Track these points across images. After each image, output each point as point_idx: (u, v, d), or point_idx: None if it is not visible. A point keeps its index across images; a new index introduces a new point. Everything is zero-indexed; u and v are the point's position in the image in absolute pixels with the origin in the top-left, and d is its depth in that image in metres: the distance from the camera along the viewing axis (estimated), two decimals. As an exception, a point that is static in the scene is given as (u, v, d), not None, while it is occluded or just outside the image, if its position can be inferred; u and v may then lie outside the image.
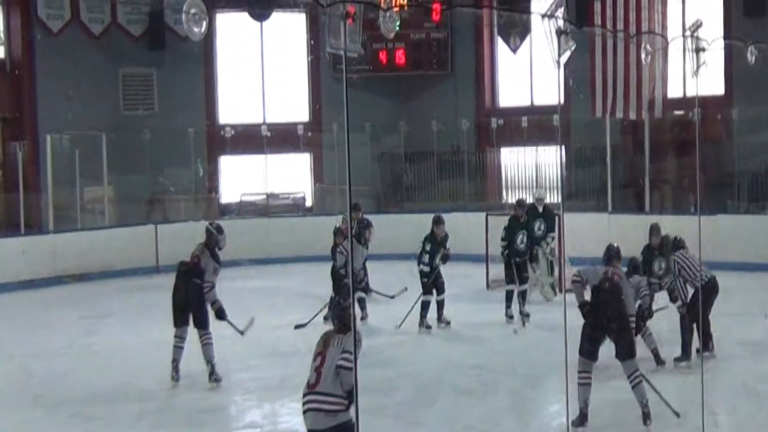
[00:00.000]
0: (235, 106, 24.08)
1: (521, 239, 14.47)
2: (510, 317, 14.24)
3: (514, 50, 22.80)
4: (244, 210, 22.58)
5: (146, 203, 22.37)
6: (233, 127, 22.89)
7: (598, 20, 19.91)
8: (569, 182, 20.11)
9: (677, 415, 9.52)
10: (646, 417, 9.53)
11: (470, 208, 20.36)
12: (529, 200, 16.29)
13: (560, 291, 15.42)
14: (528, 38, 22.60)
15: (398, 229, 18.80)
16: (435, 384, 11.63)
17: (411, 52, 23.60)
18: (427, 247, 13.87)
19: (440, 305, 14.01)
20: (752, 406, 10.31)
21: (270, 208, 22.33)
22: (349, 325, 7.69)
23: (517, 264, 14.52)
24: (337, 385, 7.39)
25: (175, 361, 11.73)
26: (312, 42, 23.23)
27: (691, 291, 11.38)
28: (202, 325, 11.66)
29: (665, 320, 11.62)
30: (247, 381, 13.01)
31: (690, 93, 20.73)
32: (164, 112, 23.08)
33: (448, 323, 14.07)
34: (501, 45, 23.41)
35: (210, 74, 24.04)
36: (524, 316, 14.21)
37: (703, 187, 19.49)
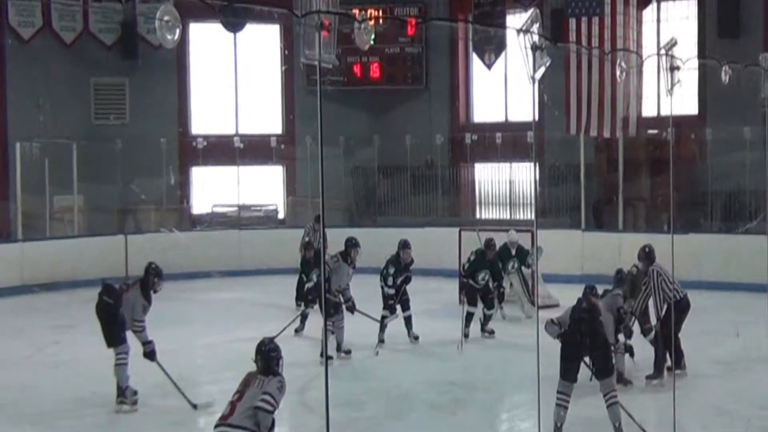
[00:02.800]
0: (207, 117, 23.93)
1: (483, 277, 14.22)
2: (466, 336, 13.94)
3: (489, 66, 22.80)
4: (215, 221, 22.43)
5: (117, 213, 22.17)
6: (205, 137, 22.78)
7: (573, 37, 19.93)
8: (543, 199, 20.11)
9: None
10: None
11: (443, 223, 20.34)
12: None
13: (533, 306, 15.42)
14: (503, 54, 22.60)
15: (371, 243, 18.62)
16: (405, 399, 11.57)
17: (385, 66, 23.60)
18: (391, 270, 13.77)
19: (407, 321, 13.89)
20: (724, 425, 10.29)
21: (242, 219, 22.19)
22: (274, 368, 7.65)
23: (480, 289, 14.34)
24: (249, 422, 7.45)
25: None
26: (286, 52, 23.13)
27: (663, 307, 11.34)
28: (113, 343, 11.26)
29: (636, 337, 11.55)
30: (216, 393, 12.86)
31: (664, 112, 20.86)
32: (136, 122, 22.89)
33: (416, 338, 13.93)
34: (476, 60, 23.40)
35: (183, 84, 23.89)
36: (488, 333, 14.22)
37: (677, 206, 19.55)
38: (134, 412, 11.05)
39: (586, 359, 9.72)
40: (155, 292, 11.57)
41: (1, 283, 18.29)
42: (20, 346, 14.37)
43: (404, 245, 13.91)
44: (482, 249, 14.37)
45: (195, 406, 11.21)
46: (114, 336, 11.22)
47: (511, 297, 16.05)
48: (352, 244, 13.58)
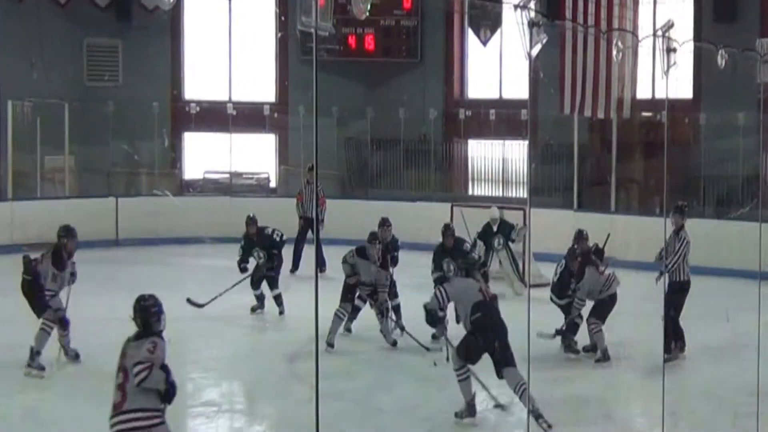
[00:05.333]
0: (201, 83, 23.79)
1: (447, 267, 12.52)
2: (434, 337, 12.33)
3: (485, 43, 22.70)
4: (206, 187, 22.38)
5: (107, 175, 22.10)
6: (198, 103, 22.67)
7: (569, 15, 19.89)
8: (535, 178, 20.13)
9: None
10: (539, 419, 9.52)
11: (435, 198, 20.29)
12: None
13: (525, 286, 15.45)
14: (499, 31, 22.55)
15: (363, 215, 18.72)
16: (395, 371, 11.60)
17: (380, 38, 23.48)
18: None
19: (396, 310, 13.04)
20: (712, 410, 10.37)
21: (233, 187, 22.15)
22: (153, 327, 7.24)
23: None
24: (145, 398, 7.06)
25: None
26: (282, 18, 22.98)
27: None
28: (39, 313, 11.43)
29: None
30: (205, 359, 12.93)
31: (658, 95, 20.84)
32: (129, 85, 22.77)
33: (402, 329, 12.79)
34: (471, 36, 23.34)
35: (176, 49, 23.75)
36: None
37: (669, 190, 19.57)
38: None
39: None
40: (70, 256, 11.73)
41: (-9, 241, 18.24)
42: (8, 305, 14.30)
43: (381, 223, 13.17)
44: (440, 242, 13.12)
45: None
46: (38, 307, 11.39)
47: (499, 274, 16.05)
48: (369, 238, 12.76)
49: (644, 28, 20.70)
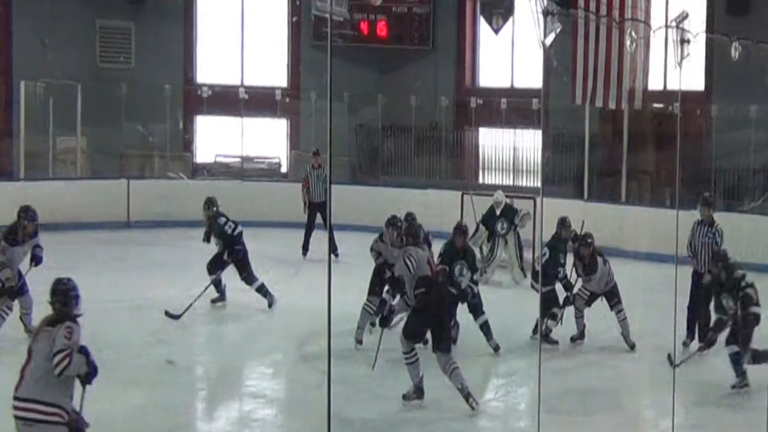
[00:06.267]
0: (213, 66, 23.76)
1: (460, 270, 11.69)
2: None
3: (496, 31, 22.72)
4: (218, 171, 22.41)
5: (119, 157, 22.15)
6: (210, 87, 22.67)
7: (581, 4, 19.87)
8: (546, 167, 20.12)
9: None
10: (469, 397, 9.73)
11: (446, 185, 20.26)
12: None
13: (524, 275, 15.46)
14: (511, 19, 22.54)
15: (373, 201, 18.81)
16: (401, 360, 11.60)
17: (393, 24, 23.45)
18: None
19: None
20: (723, 402, 10.40)
21: (245, 171, 22.16)
22: (71, 311, 6.95)
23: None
24: (45, 390, 6.70)
25: None
26: (298, 2, 22.93)
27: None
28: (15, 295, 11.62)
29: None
30: (214, 342, 13.03)
31: (671, 86, 20.81)
32: (141, 67, 22.70)
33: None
34: (483, 24, 23.31)
35: (189, 32, 23.70)
36: (495, 348, 11.89)
37: (680, 182, 19.56)
38: (130, 358, 11.26)
39: None
40: (29, 236, 11.74)
41: (3, 221, 18.21)
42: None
43: (386, 222, 12.38)
44: (450, 240, 11.96)
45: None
46: None
47: (504, 263, 16.05)
48: (386, 222, 12.24)
49: (656, 18, 20.63)
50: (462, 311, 11.88)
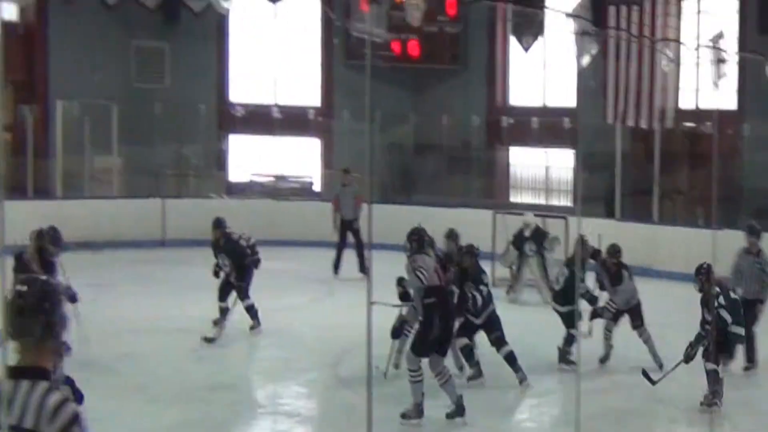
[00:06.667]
0: (246, 86, 23.96)
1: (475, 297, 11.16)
2: (460, 368, 11.40)
3: (527, 49, 22.77)
4: (251, 190, 22.57)
5: (155, 176, 22.34)
6: (244, 106, 22.93)
7: (612, 24, 19.95)
8: (578, 186, 20.17)
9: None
10: (457, 414, 9.80)
11: (477, 204, 20.30)
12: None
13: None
14: (541, 38, 22.61)
15: (404, 220, 18.77)
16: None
17: (424, 44, 23.53)
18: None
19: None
20: (753, 422, 10.41)
21: (278, 190, 22.32)
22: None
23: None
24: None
25: None
26: (338, 23, 22.96)
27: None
28: None
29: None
30: (250, 361, 13.12)
31: (702, 105, 20.81)
32: (175, 87, 22.95)
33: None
34: (514, 43, 23.37)
35: (222, 52, 23.94)
36: (524, 381, 11.26)
37: (708, 202, 19.54)
38: (170, 377, 11.27)
39: None
40: (50, 255, 11.71)
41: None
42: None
43: (446, 234, 12.55)
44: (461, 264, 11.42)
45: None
46: None
47: (531, 282, 16.14)
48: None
49: (687, 39, 20.65)
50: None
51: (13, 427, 3.65)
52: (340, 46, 22.92)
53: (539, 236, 15.92)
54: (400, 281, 10.77)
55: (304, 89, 24.01)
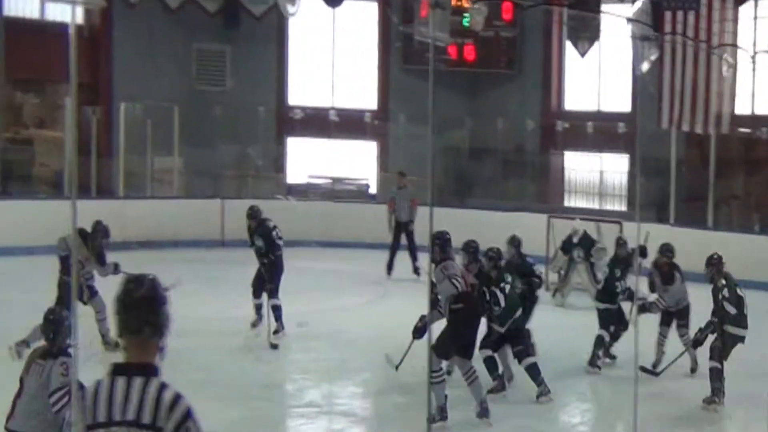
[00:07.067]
0: (304, 89, 24.25)
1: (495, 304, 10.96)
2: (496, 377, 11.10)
3: (583, 54, 22.81)
4: (309, 192, 22.86)
5: (214, 177, 22.69)
6: (302, 109, 23.23)
7: (668, 30, 19.93)
8: (632, 192, 20.16)
9: None
10: (484, 415, 9.94)
11: (532, 209, 20.42)
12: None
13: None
14: (597, 43, 22.63)
15: (459, 224, 18.89)
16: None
17: (480, 48, 23.62)
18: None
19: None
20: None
21: (335, 192, 22.61)
22: (60, 344, 6.81)
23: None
24: (38, 426, 6.67)
25: None
26: (401, 28, 22.99)
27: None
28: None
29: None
30: (306, 361, 13.30)
31: (758, 111, 20.75)
32: (235, 89, 23.29)
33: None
34: (570, 48, 23.42)
35: (282, 55, 24.23)
36: (545, 395, 11.03)
37: (762, 208, 19.49)
38: (227, 376, 11.61)
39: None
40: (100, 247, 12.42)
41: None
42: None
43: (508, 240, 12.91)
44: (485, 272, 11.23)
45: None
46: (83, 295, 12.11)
47: (579, 286, 16.25)
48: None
49: (743, 43, 20.58)
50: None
51: (132, 423, 3.73)
52: (397, 50, 23.14)
53: (587, 243, 16.02)
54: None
55: (361, 93, 24.28)
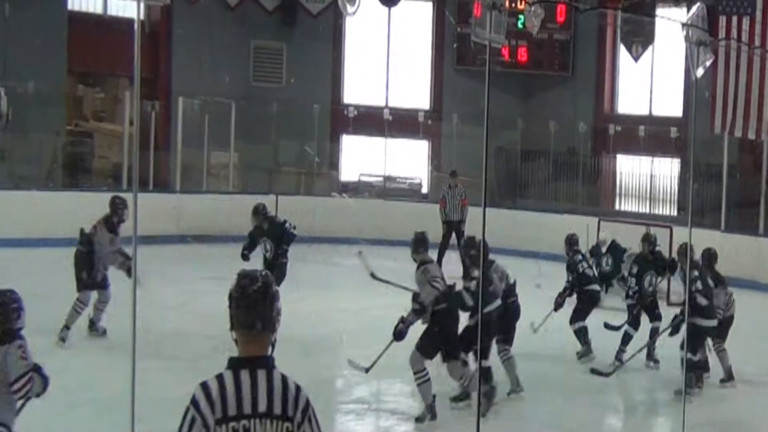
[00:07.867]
0: (359, 88, 24.53)
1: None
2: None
3: (636, 58, 22.83)
4: (361, 190, 23.09)
5: (269, 173, 22.93)
6: (356, 107, 23.46)
7: (722, 35, 19.89)
8: (683, 196, 20.14)
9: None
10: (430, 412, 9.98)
11: (583, 211, 20.43)
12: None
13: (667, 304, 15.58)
14: (650, 47, 22.62)
15: (510, 225, 19.09)
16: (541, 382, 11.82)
17: (533, 50, 23.73)
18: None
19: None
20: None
21: (387, 190, 22.79)
22: (10, 327, 6.34)
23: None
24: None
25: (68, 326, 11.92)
26: (459, 29, 23.05)
27: None
28: (79, 287, 12.08)
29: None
30: (355, 357, 13.42)
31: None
32: (291, 87, 23.51)
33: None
34: (623, 51, 23.44)
35: (337, 53, 24.47)
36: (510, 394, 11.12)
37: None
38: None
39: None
40: (120, 221, 12.20)
41: (159, 230, 19.04)
42: (176, 294, 15.05)
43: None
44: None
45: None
46: (80, 281, 12.06)
47: (615, 291, 16.26)
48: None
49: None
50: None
51: (263, 415, 3.85)
52: (450, 50, 23.29)
53: (616, 252, 15.91)
54: (415, 298, 10.39)
55: (415, 92, 24.47)
